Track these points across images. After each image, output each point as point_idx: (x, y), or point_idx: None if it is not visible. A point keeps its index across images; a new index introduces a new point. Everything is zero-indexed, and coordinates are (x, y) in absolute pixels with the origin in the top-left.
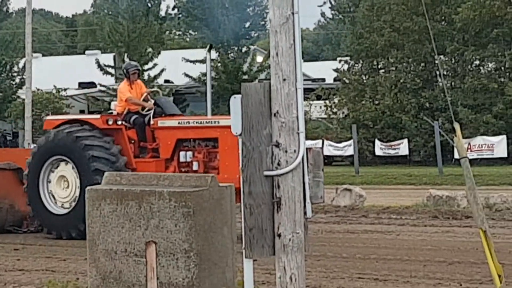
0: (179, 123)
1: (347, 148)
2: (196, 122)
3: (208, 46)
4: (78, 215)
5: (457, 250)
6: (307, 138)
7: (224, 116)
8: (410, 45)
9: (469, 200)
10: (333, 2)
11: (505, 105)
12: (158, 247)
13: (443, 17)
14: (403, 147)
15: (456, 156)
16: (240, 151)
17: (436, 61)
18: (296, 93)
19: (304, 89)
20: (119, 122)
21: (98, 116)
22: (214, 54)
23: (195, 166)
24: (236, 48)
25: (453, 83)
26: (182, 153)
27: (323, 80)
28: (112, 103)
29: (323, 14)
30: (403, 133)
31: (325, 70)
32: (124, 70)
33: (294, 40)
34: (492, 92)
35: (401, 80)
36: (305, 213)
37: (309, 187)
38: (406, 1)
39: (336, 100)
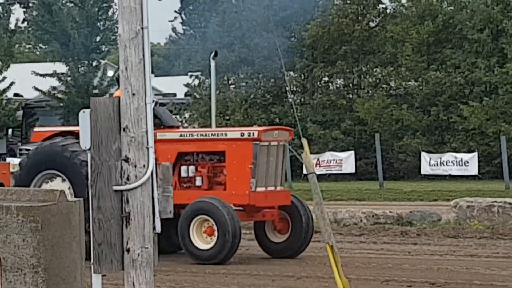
0: (181, 135)
1: None
2: (201, 135)
3: (213, 53)
4: None
5: (305, 264)
6: None
7: (232, 128)
8: (260, 61)
9: (317, 215)
10: (184, 18)
11: (353, 121)
12: (5, 262)
13: (292, 34)
14: None
15: (305, 171)
16: (89, 166)
17: (286, 77)
18: (146, 108)
19: None
20: None
21: None
22: (63, 68)
23: (198, 182)
24: (86, 62)
25: (302, 99)
26: (183, 168)
27: (174, 95)
28: None
29: (174, 29)
30: None
31: (176, 85)
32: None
33: (143, 55)
34: (340, 108)
35: (252, 96)
36: (154, 228)
37: (158, 202)
38: (256, 17)
39: (187, 115)
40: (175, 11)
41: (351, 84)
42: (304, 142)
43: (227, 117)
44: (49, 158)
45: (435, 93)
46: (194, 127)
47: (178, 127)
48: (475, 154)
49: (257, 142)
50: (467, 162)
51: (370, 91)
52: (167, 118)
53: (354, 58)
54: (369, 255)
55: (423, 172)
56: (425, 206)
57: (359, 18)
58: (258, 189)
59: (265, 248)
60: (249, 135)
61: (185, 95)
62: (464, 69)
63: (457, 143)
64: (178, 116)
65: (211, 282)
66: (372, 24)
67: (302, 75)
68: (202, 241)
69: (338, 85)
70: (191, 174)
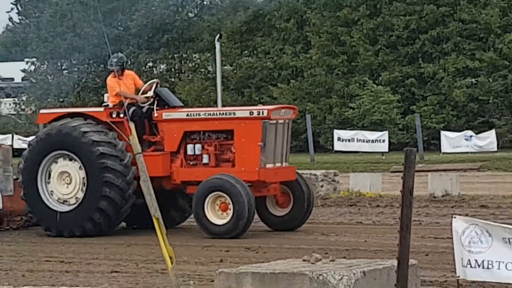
0: (187, 115)
1: None
2: (208, 114)
3: (218, 35)
4: (82, 212)
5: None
6: None
7: (240, 108)
8: (91, 48)
9: (144, 191)
10: (20, 8)
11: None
12: None
13: (119, 24)
14: None
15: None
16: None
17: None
18: None
19: None
20: (121, 115)
21: (101, 109)
22: None
23: (205, 159)
24: None
25: None
26: (189, 146)
27: (12, 79)
28: (105, 95)
29: (11, 19)
30: None
31: (14, 70)
32: (111, 64)
33: None
34: None
35: (83, 80)
36: None
37: (0, 181)
38: (87, 9)
39: (24, 98)
40: (12, 3)
41: (173, 69)
42: (132, 125)
43: (62, 100)
44: (59, 138)
45: (248, 76)
46: (31, 109)
47: (182, 107)
48: None
49: (266, 121)
50: None
51: (190, 75)
52: (171, 98)
53: (175, 45)
54: (191, 223)
55: None
56: None
57: (179, 9)
58: (267, 166)
59: (266, 221)
60: (258, 114)
61: (22, 79)
62: (273, 54)
63: None
64: (16, 99)
65: (49, 251)
66: (191, 15)
67: (129, 61)
68: (217, 216)
69: (161, 70)
70: (197, 152)
